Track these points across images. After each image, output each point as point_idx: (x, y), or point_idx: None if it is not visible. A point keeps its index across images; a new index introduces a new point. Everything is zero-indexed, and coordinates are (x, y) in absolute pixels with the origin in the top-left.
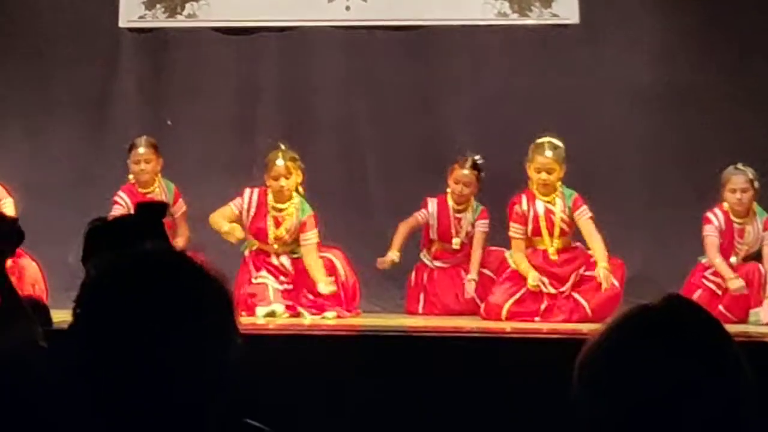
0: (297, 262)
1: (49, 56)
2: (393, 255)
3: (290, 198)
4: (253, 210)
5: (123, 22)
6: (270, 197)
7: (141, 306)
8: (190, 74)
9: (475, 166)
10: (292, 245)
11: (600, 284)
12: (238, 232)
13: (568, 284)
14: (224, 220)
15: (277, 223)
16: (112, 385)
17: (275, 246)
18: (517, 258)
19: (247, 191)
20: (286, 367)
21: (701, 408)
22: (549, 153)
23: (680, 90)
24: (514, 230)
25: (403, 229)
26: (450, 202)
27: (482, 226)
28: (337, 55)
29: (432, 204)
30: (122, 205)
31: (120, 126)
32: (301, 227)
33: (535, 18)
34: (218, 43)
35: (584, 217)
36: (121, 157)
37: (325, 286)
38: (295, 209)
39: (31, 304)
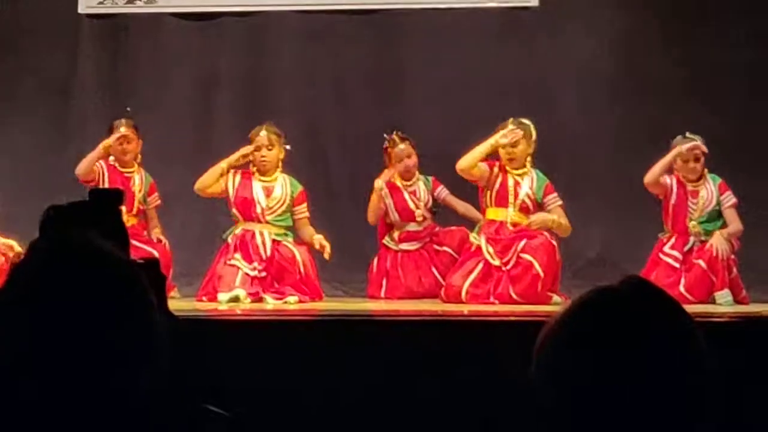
0: (275, 243)
1: (8, 44)
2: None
3: (274, 171)
4: (236, 185)
5: (82, 8)
6: (255, 173)
7: (48, 292)
8: (151, 60)
9: (404, 138)
10: (281, 224)
11: (525, 269)
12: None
13: (511, 253)
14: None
15: (267, 193)
16: (39, 378)
17: (267, 217)
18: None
19: (231, 172)
20: (249, 352)
21: (662, 391)
22: (510, 127)
23: (639, 74)
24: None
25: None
26: (399, 182)
27: (443, 192)
28: (299, 40)
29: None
30: (99, 174)
31: (80, 113)
32: (294, 201)
33: (495, 1)
34: (178, 28)
35: (555, 204)
36: (82, 145)
37: (321, 238)
38: (284, 181)
39: None
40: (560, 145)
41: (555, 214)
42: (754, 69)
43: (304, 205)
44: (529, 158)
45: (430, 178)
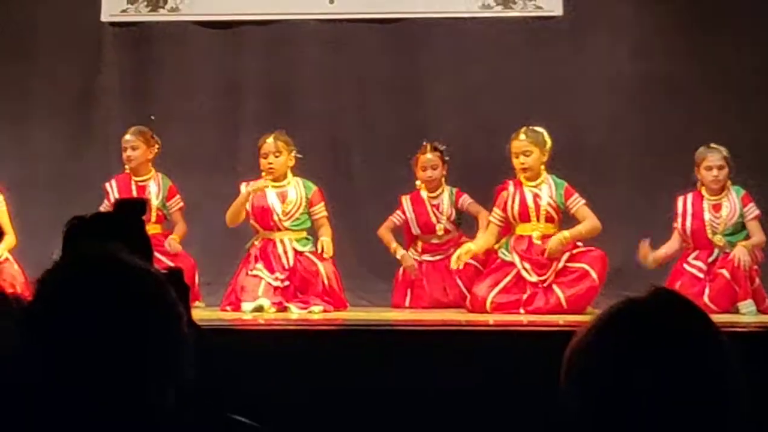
0: (297, 255)
1: (32, 52)
2: (400, 252)
3: (284, 177)
4: (252, 197)
5: (105, 17)
6: (269, 182)
7: (75, 307)
8: (174, 69)
9: (435, 149)
10: (302, 226)
11: (580, 276)
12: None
13: (550, 272)
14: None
15: (282, 199)
16: (65, 388)
17: (285, 223)
18: (483, 241)
19: (243, 185)
20: (273, 361)
21: (689, 401)
22: (523, 137)
23: (663, 80)
24: (495, 215)
25: (385, 233)
26: (423, 193)
27: (466, 200)
28: (321, 48)
29: (406, 201)
30: (108, 192)
31: (103, 121)
32: (310, 202)
33: (518, 10)
34: (201, 37)
35: (579, 204)
36: (104, 153)
37: (328, 242)
38: (296, 184)
39: (15, 302)
40: (583, 152)
41: (581, 215)
42: None
43: (321, 204)
44: (543, 167)
45: (455, 190)
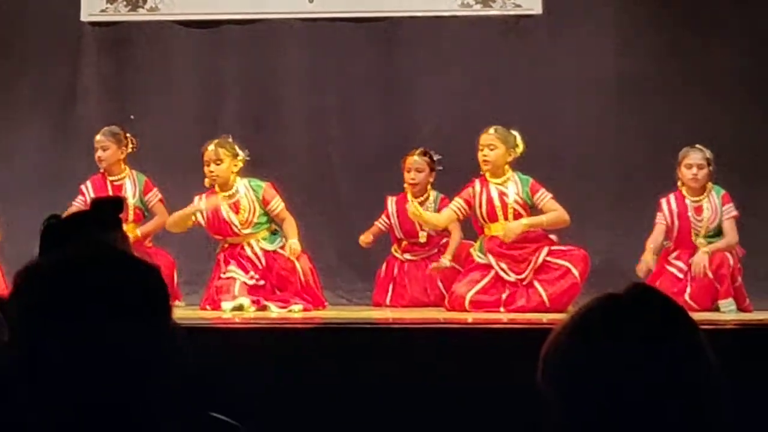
0: (270, 254)
1: (11, 51)
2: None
3: (231, 183)
4: (206, 211)
5: (85, 16)
6: (217, 189)
7: (63, 301)
8: (154, 68)
9: (425, 153)
10: (264, 227)
11: (562, 274)
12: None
13: (529, 269)
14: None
15: (236, 209)
16: (50, 385)
17: (245, 231)
18: (435, 220)
19: (196, 198)
20: (253, 360)
21: (667, 398)
22: (492, 131)
23: (644, 79)
24: (456, 203)
25: (366, 236)
26: (410, 197)
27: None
28: (301, 47)
29: (391, 203)
30: (84, 194)
31: (83, 121)
32: (263, 201)
33: (498, 8)
34: (181, 36)
35: (546, 198)
36: (84, 152)
37: (295, 243)
38: (245, 188)
39: None
40: (565, 151)
41: (549, 209)
42: (760, 73)
43: (276, 198)
44: (507, 165)
45: (440, 197)
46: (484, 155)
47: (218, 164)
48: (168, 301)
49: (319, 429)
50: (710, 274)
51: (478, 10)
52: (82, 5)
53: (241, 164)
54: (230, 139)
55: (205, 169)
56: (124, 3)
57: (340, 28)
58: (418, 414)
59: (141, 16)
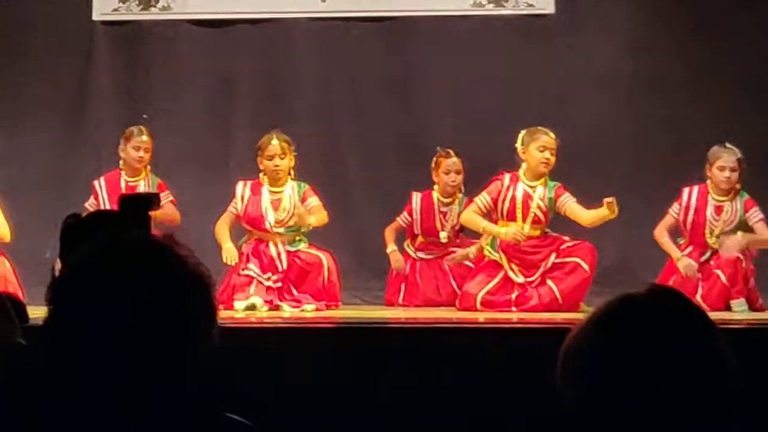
0: (292, 254)
1: (23, 51)
2: (391, 247)
3: (285, 180)
4: (246, 199)
5: (96, 15)
6: (266, 181)
7: (117, 295)
8: (166, 67)
9: (457, 153)
10: (292, 232)
11: (572, 269)
12: (230, 258)
13: (538, 273)
14: (227, 227)
15: (275, 206)
16: (92, 378)
17: (275, 230)
18: (469, 217)
19: (240, 184)
20: (266, 359)
21: (688, 398)
22: (553, 135)
23: (657, 78)
24: (482, 198)
25: (389, 233)
26: (436, 197)
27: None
28: (314, 46)
29: (416, 199)
30: (97, 191)
31: (95, 121)
32: (303, 198)
33: (510, 8)
34: (193, 35)
35: (569, 201)
36: (95, 152)
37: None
38: (292, 190)
39: (6, 300)
40: (578, 151)
41: (571, 212)
42: None
43: (314, 197)
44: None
45: (465, 200)
46: (546, 158)
47: (282, 158)
48: (215, 319)
49: (330, 428)
50: (740, 256)
51: (491, 10)
52: (94, 4)
53: (294, 159)
54: (278, 131)
55: (266, 162)
56: (137, 2)
57: (352, 28)
58: (430, 414)
59: (153, 15)
